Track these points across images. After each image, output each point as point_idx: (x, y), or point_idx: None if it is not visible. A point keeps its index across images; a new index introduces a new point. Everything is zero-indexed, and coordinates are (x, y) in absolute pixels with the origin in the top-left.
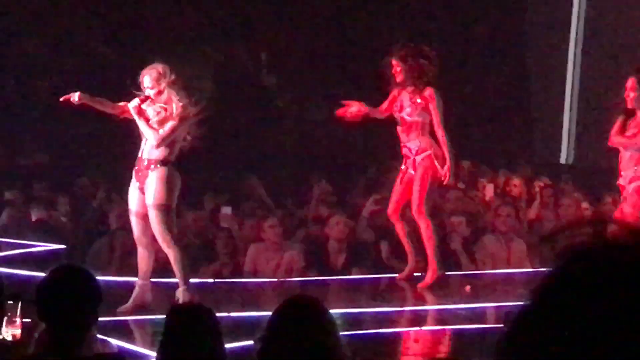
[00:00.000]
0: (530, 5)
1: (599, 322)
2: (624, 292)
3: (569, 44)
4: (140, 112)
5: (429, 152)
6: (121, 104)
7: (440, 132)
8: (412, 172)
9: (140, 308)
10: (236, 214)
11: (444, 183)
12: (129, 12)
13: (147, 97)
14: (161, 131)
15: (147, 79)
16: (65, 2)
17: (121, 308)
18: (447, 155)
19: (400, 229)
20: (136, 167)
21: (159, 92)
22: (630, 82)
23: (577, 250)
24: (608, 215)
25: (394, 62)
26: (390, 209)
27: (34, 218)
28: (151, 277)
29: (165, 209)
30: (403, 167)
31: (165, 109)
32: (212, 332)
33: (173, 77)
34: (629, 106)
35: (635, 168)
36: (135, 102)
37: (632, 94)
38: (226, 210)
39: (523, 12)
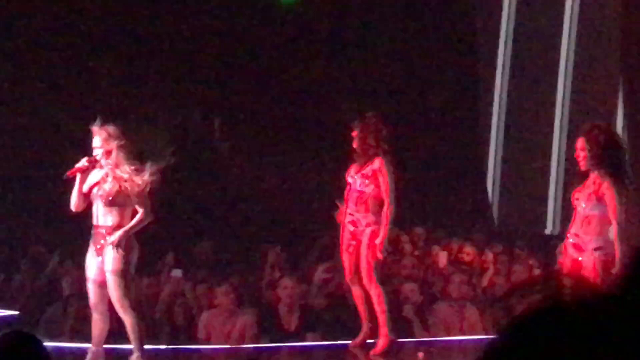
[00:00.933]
0: (485, 60)
1: None
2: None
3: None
4: (83, 176)
5: (376, 227)
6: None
7: (385, 203)
8: (359, 239)
9: None
10: (188, 279)
11: (376, 257)
12: (82, 78)
13: (95, 159)
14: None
15: (97, 139)
16: (16, 66)
17: None
18: (383, 227)
19: (357, 293)
20: (93, 235)
21: (108, 152)
22: (580, 142)
23: (518, 318)
24: (558, 274)
25: (354, 131)
26: (347, 275)
27: None
28: (104, 344)
29: (124, 275)
30: (347, 231)
31: (114, 172)
32: None
33: (123, 140)
34: (582, 168)
35: (600, 237)
36: (82, 162)
37: (582, 154)
38: (176, 272)
39: (477, 80)
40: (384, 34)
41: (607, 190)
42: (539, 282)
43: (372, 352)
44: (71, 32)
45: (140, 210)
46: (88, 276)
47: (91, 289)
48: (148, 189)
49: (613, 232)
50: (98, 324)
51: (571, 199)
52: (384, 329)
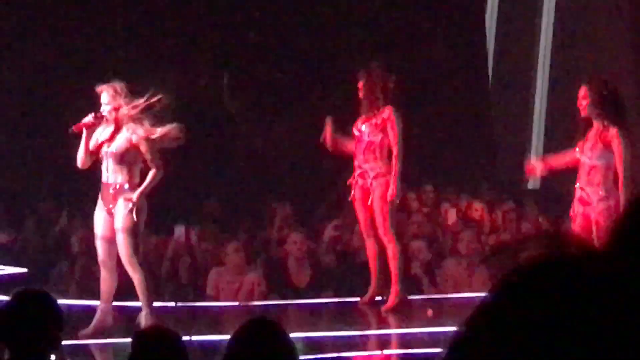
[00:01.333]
0: (493, 21)
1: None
2: (561, 322)
3: (536, 65)
4: (90, 132)
5: (386, 177)
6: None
7: (394, 151)
8: (371, 191)
9: (101, 331)
10: (196, 236)
11: (389, 201)
12: (91, 38)
13: (102, 116)
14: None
15: (104, 95)
16: (23, 21)
17: (83, 331)
18: (394, 174)
19: (370, 247)
20: (102, 192)
21: (116, 109)
22: (583, 90)
23: (512, 273)
24: (560, 230)
25: (359, 82)
26: (362, 229)
27: None
28: (113, 301)
29: (134, 233)
30: (357, 186)
31: (124, 129)
32: (178, 357)
33: (131, 96)
34: (582, 114)
35: (604, 187)
36: (89, 118)
37: (584, 102)
38: (179, 229)
39: (484, 34)
40: None
41: (614, 138)
42: (531, 239)
43: (383, 308)
44: None
45: (153, 168)
46: (96, 233)
47: (99, 246)
48: (158, 145)
49: (619, 181)
50: (106, 281)
51: (574, 152)
52: (396, 286)
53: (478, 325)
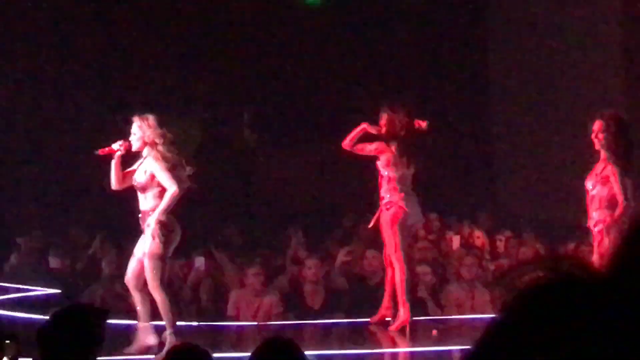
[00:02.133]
0: (494, 59)
1: None
2: (571, 337)
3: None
4: (119, 158)
5: (397, 206)
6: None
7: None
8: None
9: (145, 351)
10: (214, 262)
11: (399, 238)
12: (115, 74)
13: (129, 144)
14: (162, 175)
15: (134, 126)
16: (52, 56)
17: (126, 350)
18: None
19: (391, 273)
20: (140, 217)
21: (143, 140)
22: (597, 124)
23: (522, 293)
24: (562, 254)
25: (381, 117)
26: (385, 253)
27: (52, 265)
28: (151, 320)
29: (158, 258)
30: (382, 215)
31: (147, 160)
32: None
33: (159, 130)
34: (596, 147)
35: (599, 211)
36: (116, 145)
37: (600, 135)
38: (199, 261)
39: (487, 66)
40: (396, 35)
41: (612, 171)
42: (535, 262)
43: (390, 328)
44: (104, 24)
45: (168, 188)
46: (134, 253)
47: (130, 265)
48: (170, 166)
49: (617, 210)
50: (140, 300)
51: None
52: (402, 307)
53: (488, 344)
